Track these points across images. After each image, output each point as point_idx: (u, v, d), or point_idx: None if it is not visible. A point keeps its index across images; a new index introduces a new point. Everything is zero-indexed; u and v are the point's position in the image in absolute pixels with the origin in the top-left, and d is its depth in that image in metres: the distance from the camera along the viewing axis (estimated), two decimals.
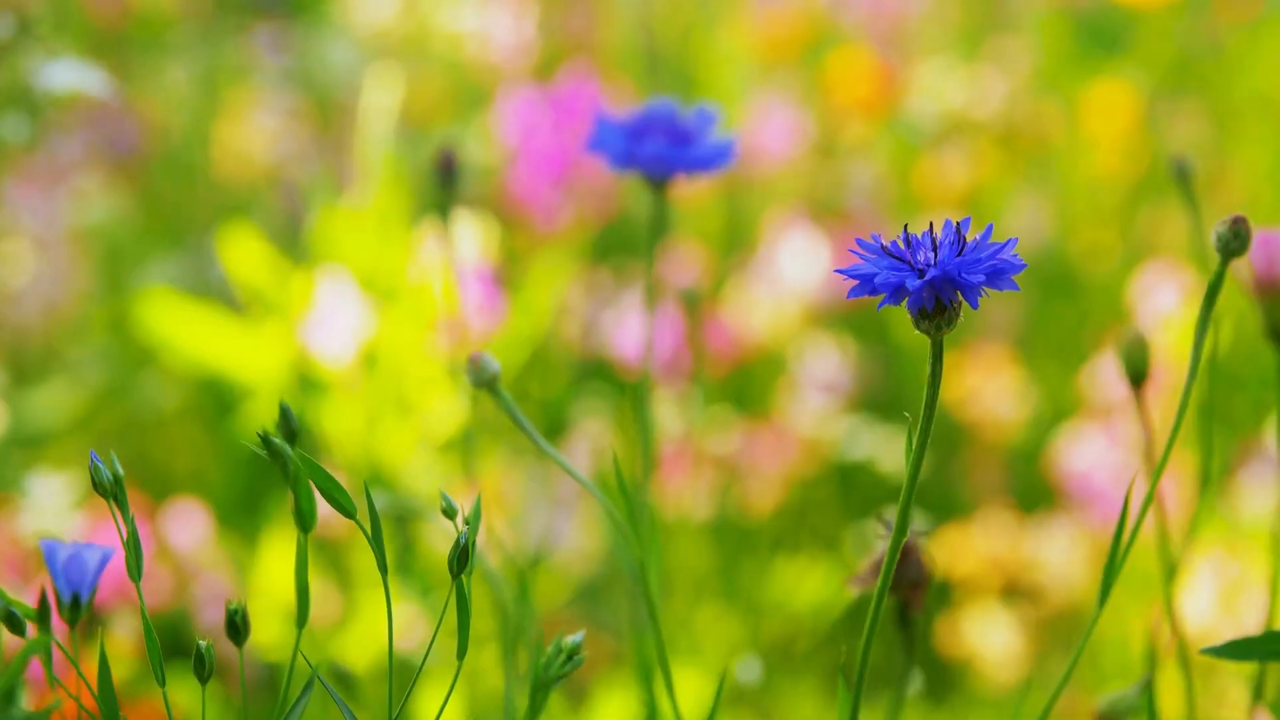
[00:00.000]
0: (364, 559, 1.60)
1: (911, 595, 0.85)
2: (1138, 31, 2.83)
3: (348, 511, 0.73)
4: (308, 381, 1.62)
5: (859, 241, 0.71)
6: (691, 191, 2.36)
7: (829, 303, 2.25)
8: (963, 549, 1.88)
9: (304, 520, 0.72)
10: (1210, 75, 2.76)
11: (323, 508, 0.76)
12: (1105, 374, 1.91)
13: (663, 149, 0.87)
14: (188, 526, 1.72)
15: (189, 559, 1.74)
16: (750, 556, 2.02)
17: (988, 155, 2.56)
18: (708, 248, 2.35)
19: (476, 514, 0.72)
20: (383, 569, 0.72)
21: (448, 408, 1.65)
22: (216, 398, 2.08)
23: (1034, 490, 2.13)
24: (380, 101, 1.64)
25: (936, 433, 2.23)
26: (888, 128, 2.67)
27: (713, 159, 0.87)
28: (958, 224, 0.71)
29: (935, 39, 2.92)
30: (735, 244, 2.47)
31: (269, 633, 1.63)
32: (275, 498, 1.80)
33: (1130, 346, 0.91)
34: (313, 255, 1.64)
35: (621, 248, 2.40)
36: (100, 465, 0.75)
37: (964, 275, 0.69)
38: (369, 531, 0.72)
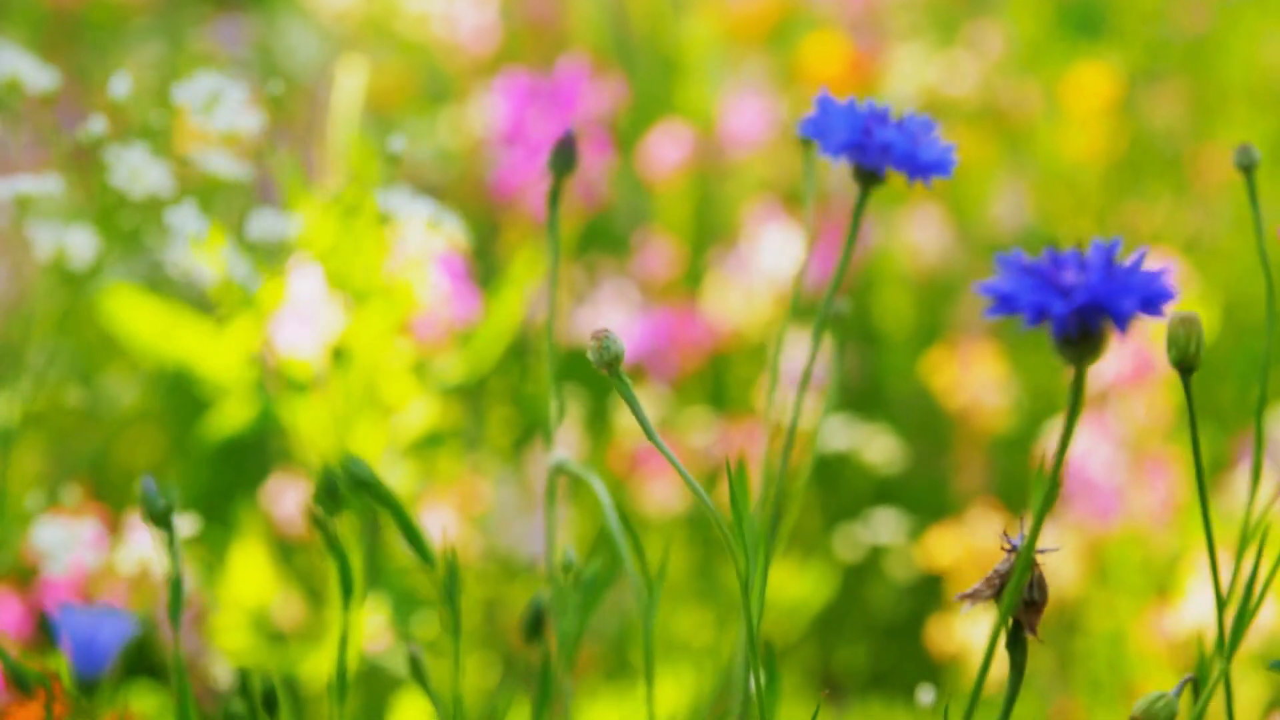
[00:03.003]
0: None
1: (1027, 616, 0.80)
2: (1118, 14, 2.79)
3: (429, 561, 0.67)
4: (277, 379, 1.56)
5: (1000, 257, 0.66)
6: (662, 179, 2.31)
7: (806, 294, 2.20)
8: (951, 543, 1.83)
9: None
10: (1191, 58, 2.72)
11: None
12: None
13: (896, 140, 0.82)
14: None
15: (153, 564, 1.69)
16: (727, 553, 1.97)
17: (966, 139, 2.52)
18: (679, 236, 2.30)
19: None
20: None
21: (420, 406, 1.60)
22: (179, 394, 2.03)
23: (1020, 483, 2.09)
24: (348, 93, 1.59)
25: (923, 425, 2.19)
26: None
27: (940, 164, 0.82)
28: (1108, 244, 0.66)
29: (910, 23, 2.87)
30: (707, 232, 2.42)
31: (236, 640, 1.58)
32: (241, 499, 1.75)
33: (1179, 328, 0.82)
34: (282, 250, 1.58)
35: (603, 240, 2.35)
36: (153, 494, 0.68)
37: (1115, 301, 0.65)
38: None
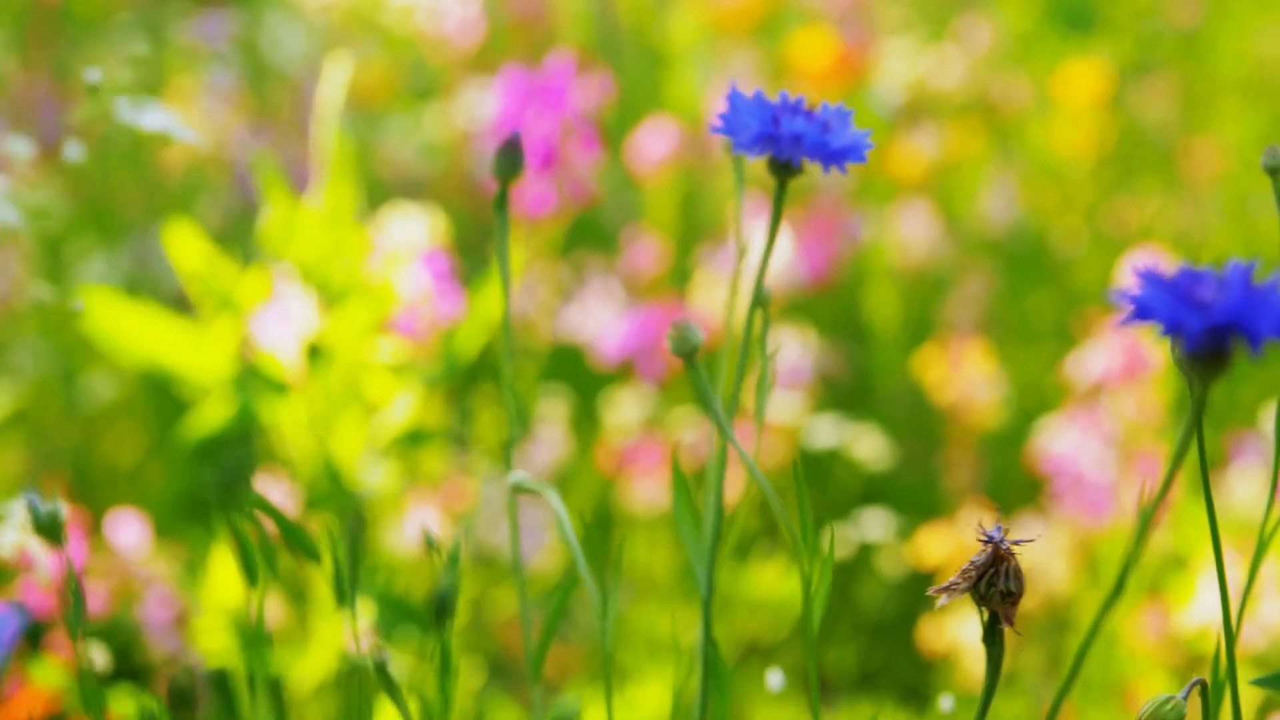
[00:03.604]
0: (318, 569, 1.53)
1: (1003, 608, 0.79)
2: (1108, 7, 2.77)
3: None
4: (258, 379, 1.54)
5: (1138, 270, 0.66)
6: (650, 174, 2.29)
7: (793, 290, 2.18)
8: (941, 541, 1.82)
9: None
10: (1182, 52, 2.71)
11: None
12: (1086, 358, 1.85)
13: (807, 130, 0.80)
14: (131, 531, 1.65)
15: (133, 565, 1.67)
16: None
17: (956, 134, 2.50)
18: (666, 232, 2.28)
19: (456, 557, 0.65)
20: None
21: (402, 404, 1.58)
22: (160, 392, 2.01)
23: (1010, 481, 2.07)
24: (333, 88, 1.57)
25: (912, 421, 2.17)
26: (852, 106, 2.61)
27: (853, 150, 0.81)
28: (1247, 264, 0.66)
29: (899, 17, 2.85)
30: (695, 227, 2.40)
31: (216, 640, 1.56)
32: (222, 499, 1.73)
33: None
34: (263, 250, 1.56)
35: (591, 237, 2.33)
36: (36, 505, 0.67)
37: (1251, 321, 0.64)
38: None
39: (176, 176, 2.57)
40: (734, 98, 0.81)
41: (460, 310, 1.70)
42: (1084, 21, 2.78)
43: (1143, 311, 0.66)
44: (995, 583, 0.78)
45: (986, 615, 0.79)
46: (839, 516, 1.96)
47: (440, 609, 0.72)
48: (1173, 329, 0.65)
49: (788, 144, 0.81)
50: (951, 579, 0.80)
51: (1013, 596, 0.79)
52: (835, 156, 0.81)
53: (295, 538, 0.69)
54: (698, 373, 0.77)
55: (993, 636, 0.80)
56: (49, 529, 0.66)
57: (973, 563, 0.80)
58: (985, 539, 0.79)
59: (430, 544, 0.67)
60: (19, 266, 2.30)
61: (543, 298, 2.04)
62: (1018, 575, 0.79)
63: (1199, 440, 0.82)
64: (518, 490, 0.84)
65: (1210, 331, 0.65)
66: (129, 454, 2.13)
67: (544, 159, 1.87)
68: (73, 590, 0.65)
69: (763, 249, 0.83)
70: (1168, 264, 0.68)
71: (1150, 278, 0.66)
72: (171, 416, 2.05)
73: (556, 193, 1.89)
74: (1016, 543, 0.80)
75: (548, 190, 1.89)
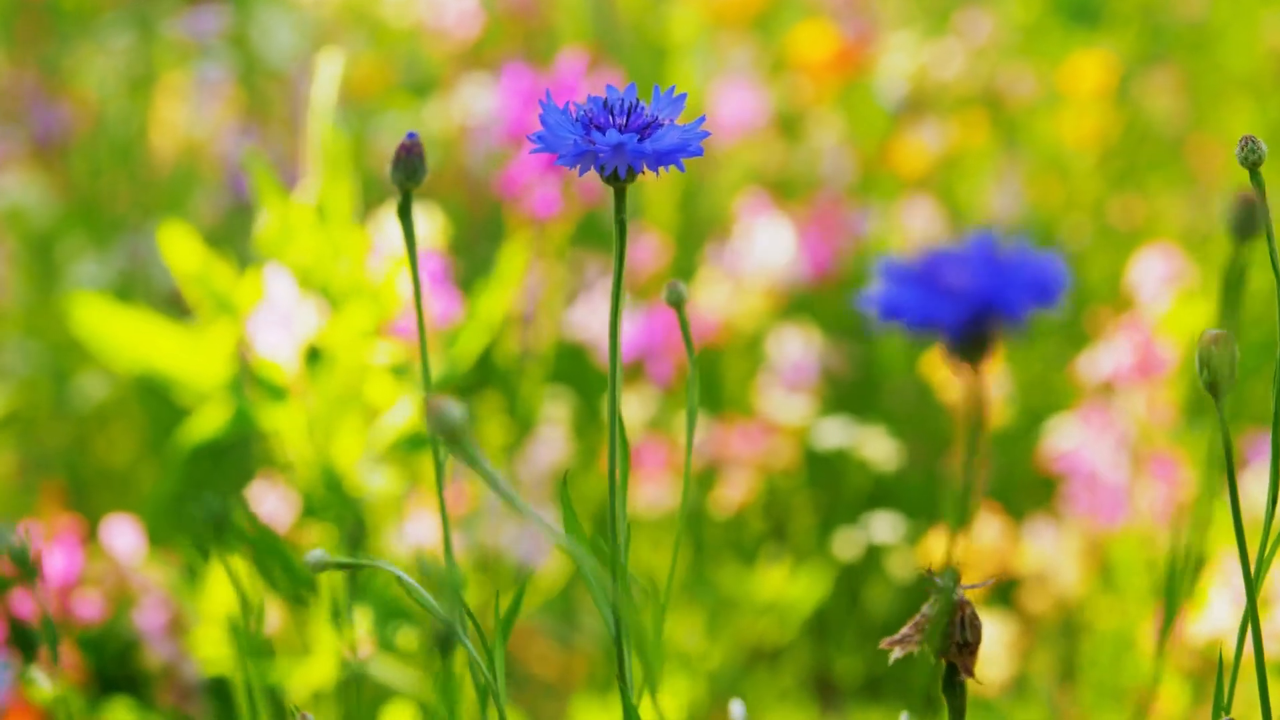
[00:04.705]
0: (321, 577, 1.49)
1: (960, 659, 0.75)
2: (1115, 0, 2.74)
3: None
4: (256, 383, 1.51)
5: (881, 266, 0.61)
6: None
7: (796, 287, 2.15)
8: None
9: None
10: (1189, 44, 2.68)
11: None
12: (1097, 356, 1.82)
13: (624, 139, 0.75)
14: (127, 537, 1.62)
15: (129, 571, 1.64)
16: (720, 554, 1.93)
17: (960, 127, 2.47)
18: (667, 228, 2.25)
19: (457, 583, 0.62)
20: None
21: (402, 408, 1.55)
22: (153, 393, 1.98)
23: (1016, 481, 2.04)
24: (326, 84, 1.53)
25: (917, 418, 2.14)
26: (854, 100, 2.58)
27: (681, 149, 0.76)
28: (987, 236, 0.61)
29: (900, 10, 2.82)
30: (696, 222, 2.37)
31: (214, 647, 1.53)
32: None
33: (1211, 348, 0.75)
34: (260, 253, 1.53)
35: (591, 235, 2.30)
36: (8, 538, 0.64)
37: (1006, 301, 0.60)
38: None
39: (167, 173, 2.53)
40: (546, 112, 0.76)
41: (458, 313, 1.67)
42: (1089, 13, 2.75)
43: (891, 311, 0.60)
44: (951, 633, 0.75)
45: (944, 666, 0.76)
46: (847, 518, 1.93)
47: (443, 646, 0.69)
48: (925, 324, 0.60)
49: (609, 155, 0.75)
50: (904, 630, 0.76)
51: (970, 646, 0.76)
52: (663, 159, 0.75)
53: (291, 571, 0.65)
54: (467, 449, 0.68)
55: (952, 688, 0.76)
56: (21, 562, 0.63)
57: (925, 614, 0.76)
58: (935, 587, 0.75)
59: (429, 573, 0.64)
60: (6, 266, 2.27)
61: (545, 298, 2.01)
62: (974, 623, 0.76)
63: (1225, 444, 0.78)
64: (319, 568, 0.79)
65: (967, 320, 0.60)
66: (122, 455, 2.10)
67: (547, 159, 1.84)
68: (46, 624, 0.62)
69: (613, 265, 0.78)
70: (910, 252, 0.63)
71: (893, 273, 0.61)
72: (165, 417, 2.02)
73: (562, 194, 1.86)
74: (972, 587, 0.77)
75: (554, 191, 1.85)
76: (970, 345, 0.60)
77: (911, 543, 1.88)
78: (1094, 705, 1.71)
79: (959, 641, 0.75)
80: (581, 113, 0.76)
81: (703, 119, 0.77)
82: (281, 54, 2.70)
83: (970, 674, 0.75)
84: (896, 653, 0.75)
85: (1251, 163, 0.82)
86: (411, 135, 0.81)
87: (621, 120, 0.76)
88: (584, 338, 1.97)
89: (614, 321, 0.77)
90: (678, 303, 0.81)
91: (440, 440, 0.65)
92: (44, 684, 1.42)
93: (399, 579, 0.74)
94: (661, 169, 0.76)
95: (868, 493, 1.99)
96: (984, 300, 0.59)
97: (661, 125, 0.76)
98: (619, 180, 0.76)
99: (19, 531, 0.69)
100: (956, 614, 0.74)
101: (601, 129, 0.76)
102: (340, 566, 0.79)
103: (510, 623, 0.83)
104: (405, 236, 0.82)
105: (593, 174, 0.78)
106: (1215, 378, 0.75)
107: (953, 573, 0.68)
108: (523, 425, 1.89)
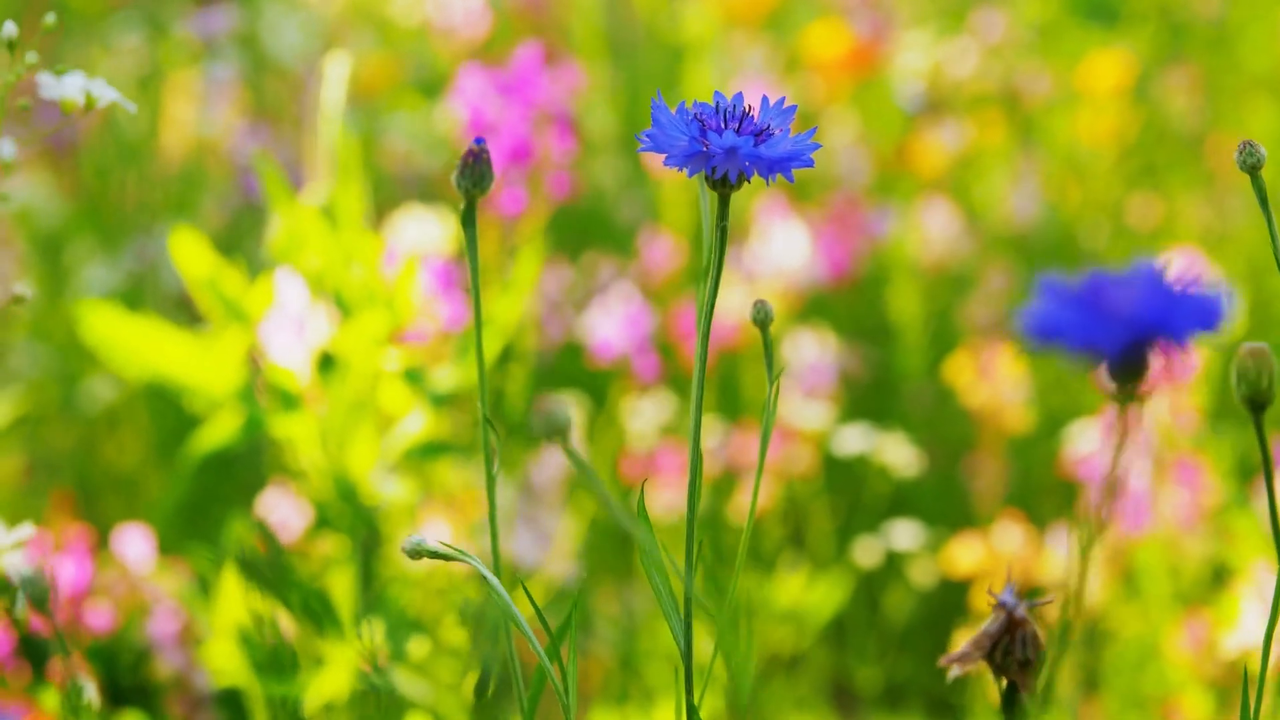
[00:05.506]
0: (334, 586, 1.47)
1: (1021, 676, 0.74)
2: (1133, 1, 2.72)
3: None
4: (268, 391, 1.49)
5: (1042, 284, 0.60)
6: (663, 170, 2.23)
7: (814, 289, 2.13)
8: (971, 549, 1.76)
9: None
10: (1208, 44, 2.65)
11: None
12: None
13: (739, 143, 0.74)
14: (138, 545, 1.60)
15: (140, 580, 1.62)
16: (737, 559, 1.90)
17: (977, 127, 2.45)
18: (682, 231, 2.23)
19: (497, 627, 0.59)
20: None
21: (416, 416, 1.53)
22: (162, 397, 1.96)
23: (1036, 486, 2.02)
24: (335, 84, 1.51)
25: (936, 421, 2.12)
26: (869, 99, 2.56)
27: (793, 158, 0.75)
28: (1155, 265, 0.61)
29: (915, 9, 2.80)
30: None
31: (227, 660, 1.51)
32: (231, 510, 1.67)
33: (1249, 361, 0.74)
34: (271, 258, 1.51)
35: (605, 237, 2.28)
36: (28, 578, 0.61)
37: (1171, 325, 0.60)
38: None
39: (176, 172, 2.51)
40: (657, 111, 0.75)
41: (467, 319, 1.65)
42: (1107, 12, 2.73)
43: (1050, 330, 0.60)
44: (1012, 651, 0.75)
45: (1004, 684, 0.76)
46: (866, 524, 1.91)
47: (480, 689, 0.68)
48: (1086, 345, 0.60)
49: (721, 159, 0.75)
50: (963, 648, 0.77)
51: (1030, 664, 0.76)
52: (775, 166, 0.75)
53: (308, 607, 0.63)
54: (570, 448, 0.68)
55: (1011, 707, 0.76)
56: (40, 603, 0.61)
57: (985, 631, 0.76)
58: (999, 605, 0.76)
59: (468, 620, 0.62)
60: (14, 268, 2.25)
61: (556, 300, 1.98)
62: (1035, 641, 0.76)
63: (1262, 448, 0.77)
64: (418, 554, 0.79)
65: (1129, 344, 0.60)
66: (131, 458, 2.08)
67: (514, 155, 1.81)
68: (57, 636, 0.60)
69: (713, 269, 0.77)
70: (1073, 275, 0.62)
71: (1054, 292, 0.60)
72: (173, 421, 2.00)
73: (531, 190, 1.83)
74: (1035, 604, 0.77)
75: (520, 188, 1.82)
76: (1128, 369, 0.60)
77: (932, 549, 1.85)
78: (1118, 713, 1.68)
79: (1020, 659, 0.75)
80: (691, 115, 0.76)
81: (814, 130, 0.76)
82: (290, 53, 2.69)
83: (1030, 692, 0.75)
84: (955, 670, 0.75)
85: (1250, 166, 0.82)
86: (479, 141, 0.79)
87: (735, 125, 0.74)
88: (590, 333, 1.94)
89: (703, 334, 0.76)
90: (764, 322, 0.81)
91: (546, 438, 0.65)
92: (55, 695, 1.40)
93: (483, 577, 0.74)
94: (769, 178, 0.76)
95: (887, 498, 1.96)
96: (1149, 324, 0.59)
97: (774, 134, 0.75)
98: (727, 185, 0.75)
99: (35, 556, 0.67)
100: (1016, 631, 0.75)
101: (718, 132, 0.74)
102: (435, 555, 0.79)
103: (563, 636, 0.83)
104: (468, 244, 0.80)
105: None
106: (1254, 391, 0.74)
107: (1014, 590, 0.68)
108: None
